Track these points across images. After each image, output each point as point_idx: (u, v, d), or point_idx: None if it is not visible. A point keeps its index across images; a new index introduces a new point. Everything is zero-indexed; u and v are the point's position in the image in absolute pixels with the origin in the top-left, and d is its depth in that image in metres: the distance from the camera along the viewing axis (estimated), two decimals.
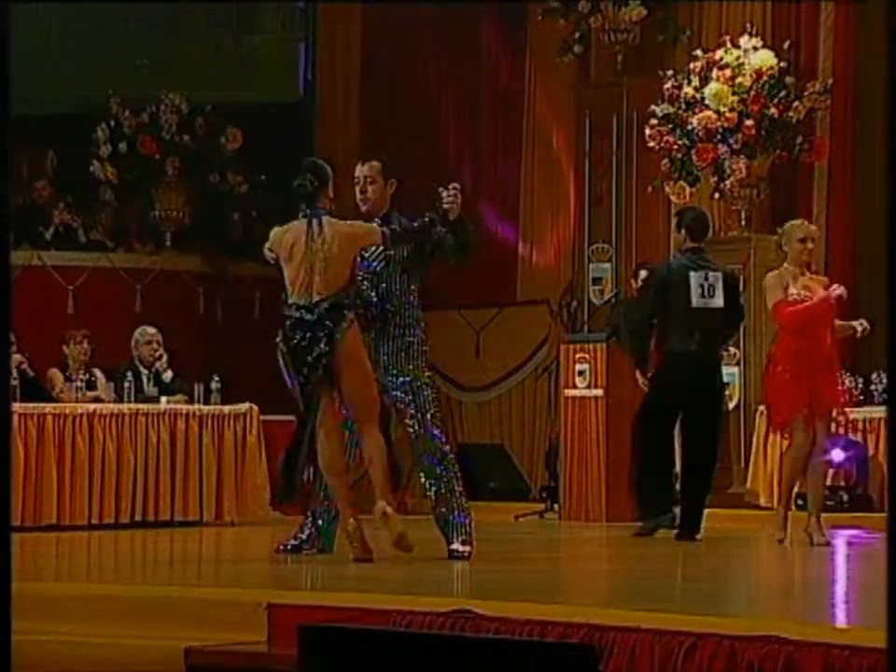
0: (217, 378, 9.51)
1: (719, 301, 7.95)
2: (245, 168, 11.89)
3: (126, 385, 9.22)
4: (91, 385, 9.31)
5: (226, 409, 9.45)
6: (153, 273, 11.62)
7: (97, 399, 9.22)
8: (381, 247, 6.44)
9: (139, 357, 9.55)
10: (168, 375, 9.55)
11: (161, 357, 9.55)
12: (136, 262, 11.64)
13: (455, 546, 6.41)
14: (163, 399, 9.36)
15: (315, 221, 6.19)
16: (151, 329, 9.63)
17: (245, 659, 4.76)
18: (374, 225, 6.38)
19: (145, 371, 9.52)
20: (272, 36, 13.02)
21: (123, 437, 9.00)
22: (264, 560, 6.81)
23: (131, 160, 11.58)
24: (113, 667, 4.88)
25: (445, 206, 6.34)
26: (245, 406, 9.52)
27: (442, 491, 6.44)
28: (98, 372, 9.46)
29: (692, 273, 7.95)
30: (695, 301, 7.91)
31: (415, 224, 6.42)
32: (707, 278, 7.95)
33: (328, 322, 6.13)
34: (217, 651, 4.80)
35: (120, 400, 9.22)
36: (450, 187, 6.37)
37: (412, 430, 6.46)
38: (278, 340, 6.24)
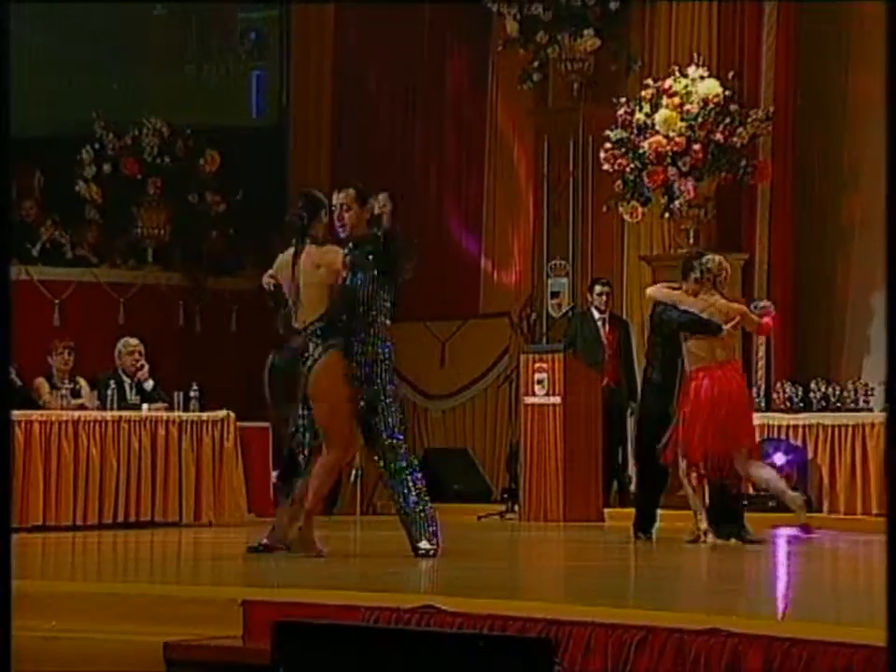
0: (195, 387, 9.47)
1: None
2: (222, 188, 11.86)
3: (109, 393, 9.17)
4: (75, 393, 9.26)
5: (204, 416, 9.41)
6: (135, 287, 11.56)
7: (82, 407, 9.16)
8: (351, 262, 6.48)
9: (122, 367, 9.50)
10: (149, 384, 9.50)
11: (142, 366, 9.50)
12: (119, 277, 11.59)
13: (421, 545, 6.40)
14: (145, 406, 9.31)
15: (298, 253, 6.35)
16: (133, 341, 9.58)
17: (220, 653, 4.74)
18: (337, 250, 6.42)
19: (127, 380, 9.47)
20: (233, 65, 13.04)
21: (106, 442, 8.95)
22: (240, 559, 6.77)
23: (114, 180, 11.53)
24: (95, 661, 4.85)
25: (376, 212, 6.47)
26: (222, 413, 9.48)
27: (409, 493, 6.43)
28: (82, 381, 9.40)
29: None
30: None
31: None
32: None
33: (308, 348, 6.23)
34: (195, 646, 4.77)
35: (104, 408, 9.16)
36: (379, 195, 6.45)
37: (379, 438, 6.47)
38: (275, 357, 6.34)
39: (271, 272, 6.52)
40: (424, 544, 6.40)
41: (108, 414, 9.06)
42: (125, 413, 9.13)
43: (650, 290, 7.94)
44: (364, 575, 5.96)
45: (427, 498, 6.48)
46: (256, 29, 13.16)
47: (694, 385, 7.32)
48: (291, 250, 6.44)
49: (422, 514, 6.43)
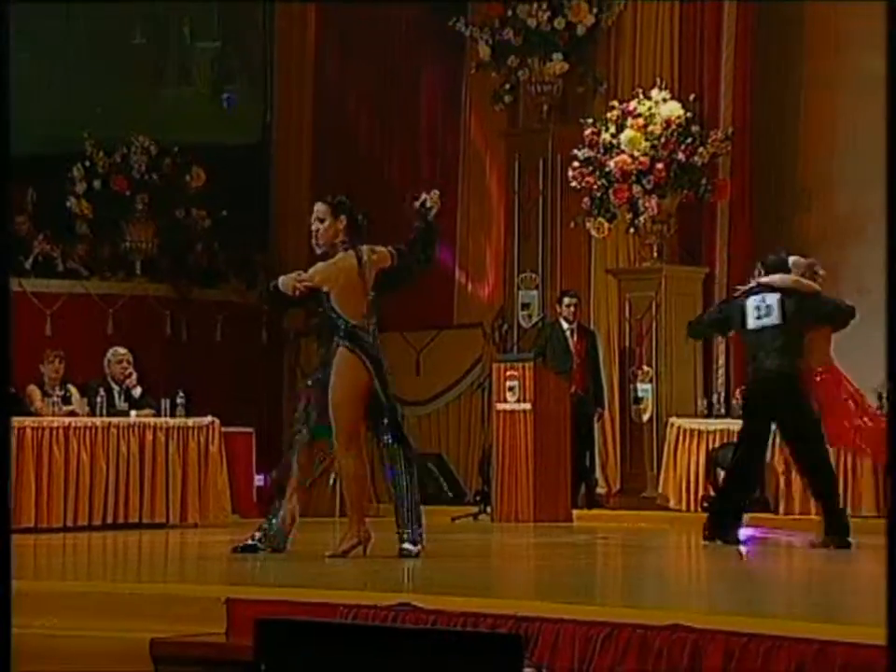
0: (181, 393, 9.45)
1: (774, 319, 7.27)
2: (207, 204, 11.84)
3: (99, 400, 9.13)
4: (66, 400, 9.22)
5: (190, 422, 9.39)
6: (124, 298, 11.53)
7: (72, 413, 9.13)
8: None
9: (111, 375, 9.47)
10: (137, 391, 9.48)
11: (130, 374, 9.47)
12: (109, 289, 11.55)
13: (405, 546, 6.40)
14: (133, 412, 9.28)
15: (360, 254, 6.33)
16: (122, 350, 9.56)
17: (205, 650, 4.72)
18: (385, 251, 6.41)
19: (116, 388, 9.44)
20: (216, 87, 13.02)
21: (96, 447, 8.92)
22: (224, 559, 6.75)
23: (104, 196, 11.50)
24: (84, 658, 4.82)
25: (429, 206, 6.38)
26: (207, 419, 9.46)
27: (404, 496, 6.43)
28: (73, 389, 9.37)
29: (750, 298, 7.38)
30: (751, 322, 7.35)
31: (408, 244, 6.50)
32: (763, 300, 7.33)
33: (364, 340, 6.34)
34: (180, 643, 4.76)
35: (93, 414, 9.13)
36: (432, 192, 6.43)
37: (385, 440, 6.46)
38: (359, 351, 6.29)
39: (303, 276, 6.35)
40: (408, 546, 6.40)
41: (98, 420, 9.03)
42: (114, 419, 9.11)
43: (783, 278, 7.22)
44: (343, 574, 5.95)
45: (418, 501, 6.49)
46: (238, 51, 13.17)
47: (830, 378, 7.09)
48: (340, 256, 6.31)
49: (411, 516, 6.43)
